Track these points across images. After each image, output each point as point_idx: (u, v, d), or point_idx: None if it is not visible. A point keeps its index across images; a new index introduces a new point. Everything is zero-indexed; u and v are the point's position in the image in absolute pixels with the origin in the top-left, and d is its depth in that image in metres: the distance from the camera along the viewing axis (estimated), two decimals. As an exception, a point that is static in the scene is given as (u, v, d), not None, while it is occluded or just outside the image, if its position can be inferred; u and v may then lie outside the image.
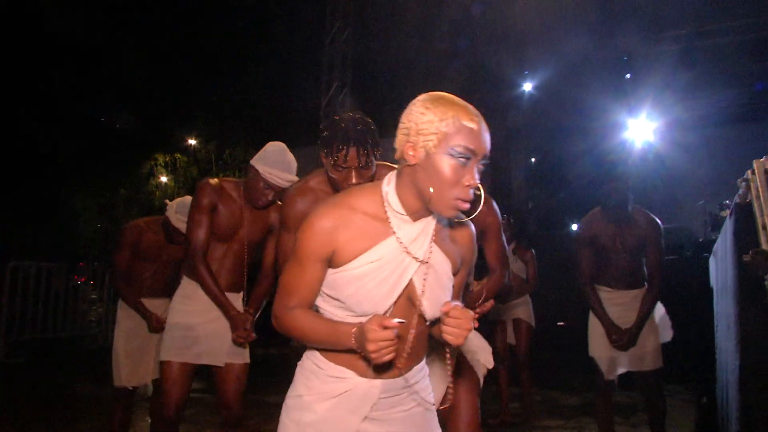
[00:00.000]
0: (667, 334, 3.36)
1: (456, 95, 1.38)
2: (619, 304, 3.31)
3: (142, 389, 3.60)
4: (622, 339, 3.23)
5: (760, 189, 1.58)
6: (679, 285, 5.60)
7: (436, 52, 9.36)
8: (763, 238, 1.53)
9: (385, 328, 1.24)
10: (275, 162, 2.67)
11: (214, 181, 2.82)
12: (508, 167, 11.63)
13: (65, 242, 13.53)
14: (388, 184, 1.40)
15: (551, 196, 10.91)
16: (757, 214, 1.55)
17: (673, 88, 9.93)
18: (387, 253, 1.35)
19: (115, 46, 12.60)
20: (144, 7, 11.27)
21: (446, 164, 1.28)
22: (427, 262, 1.38)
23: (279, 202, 2.84)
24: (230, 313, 2.68)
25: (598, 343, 3.33)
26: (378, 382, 1.41)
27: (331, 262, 1.38)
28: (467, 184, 1.29)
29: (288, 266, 1.43)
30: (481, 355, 2.17)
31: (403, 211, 1.37)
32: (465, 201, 1.30)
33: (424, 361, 1.50)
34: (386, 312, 1.36)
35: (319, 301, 1.44)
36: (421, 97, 1.36)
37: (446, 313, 1.29)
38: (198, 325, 2.73)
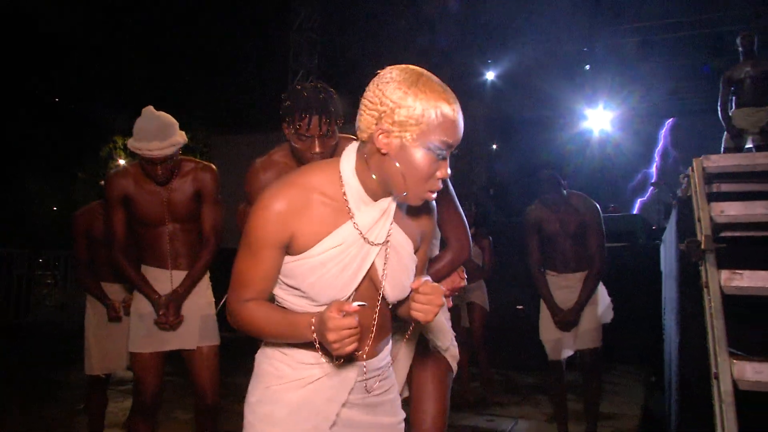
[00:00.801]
0: (607, 315, 3.49)
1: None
2: (565, 287, 3.45)
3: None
4: (565, 318, 3.38)
5: (697, 185, 1.74)
6: (633, 270, 5.88)
7: (402, 41, 9.43)
8: (698, 229, 1.70)
9: (346, 314, 1.15)
10: (139, 134, 2.52)
11: (122, 169, 2.72)
12: (470, 154, 11.85)
13: (19, 226, 13.19)
14: (347, 163, 1.28)
15: (512, 184, 11.15)
16: (695, 207, 1.72)
17: (631, 79, 10.28)
18: (348, 236, 1.25)
19: (73, 27, 12.24)
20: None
21: (423, 158, 1.18)
22: (386, 244, 1.28)
23: (210, 164, 2.77)
24: (152, 297, 2.63)
25: (545, 327, 3.48)
26: (354, 365, 1.32)
27: (289, 248, 1.26)
28: (440, 176, 1.21)
29: (240, 255, 1.29)
30: (448, 339, 2.06)
31: (363, 193, 1.26)
32: (434, 192, 1.23)
33: (389, 346, 1.42)
34: (349, 298, 1.27)
35: (277, 290, 1.32)
36: (395, 73, 1.20)
37: (416, 289, 1.22)
38: None
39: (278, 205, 1.23)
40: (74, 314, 8.24)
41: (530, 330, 3.75)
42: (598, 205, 3.49)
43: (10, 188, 13.87)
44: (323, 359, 1.29)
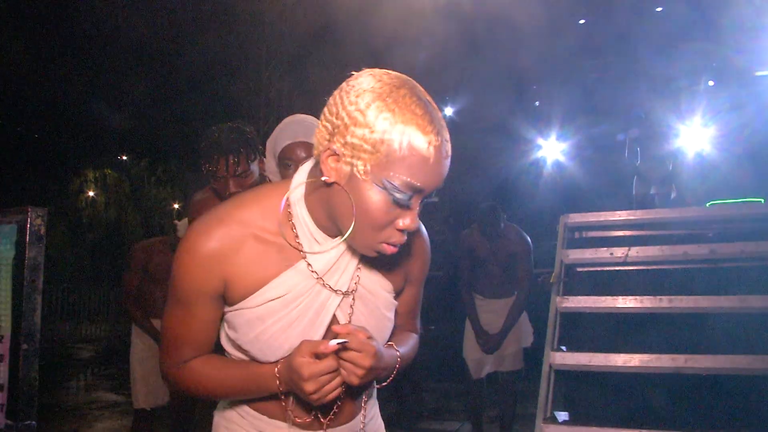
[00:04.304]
0: (528, 340, 3.75)
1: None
2: (490, 311, 3.68)
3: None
4: (489, 343, 3.60)
5: (560, 236, 2.42)
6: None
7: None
8: (555, 269, 2.38)
9: (320, 356, 0.93)
10: None
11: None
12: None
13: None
14: (297, 190, 1.00)
15: (469, 213, 11.86)
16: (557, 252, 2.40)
17: (576, 113, 11.17)
18: (296, 284, 0.99)
19: (41, 60, 12.47)
20: (67, 16, 11.10)
21: (376, 198, 0.88)
22: (351, 294, 1.04)
23: None
24: None
25: (469, 346, 3.70)
26: None
27: (225, 296, 1.02)
28: (401, 227, 0.92)
29: (168, 309, 1.05)
30: None
31: (316, 228, 0.99)
32: (394, 246, 0.94)
33: (369, 410, 1.18)
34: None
35: (222, 340, 1.10)
36: (369, 78, 0.89)
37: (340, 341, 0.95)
38: None
39: (205, 248, 0.97)
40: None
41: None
42: (529, 239, 3.73)
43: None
44: (280, 424, 1.07)
